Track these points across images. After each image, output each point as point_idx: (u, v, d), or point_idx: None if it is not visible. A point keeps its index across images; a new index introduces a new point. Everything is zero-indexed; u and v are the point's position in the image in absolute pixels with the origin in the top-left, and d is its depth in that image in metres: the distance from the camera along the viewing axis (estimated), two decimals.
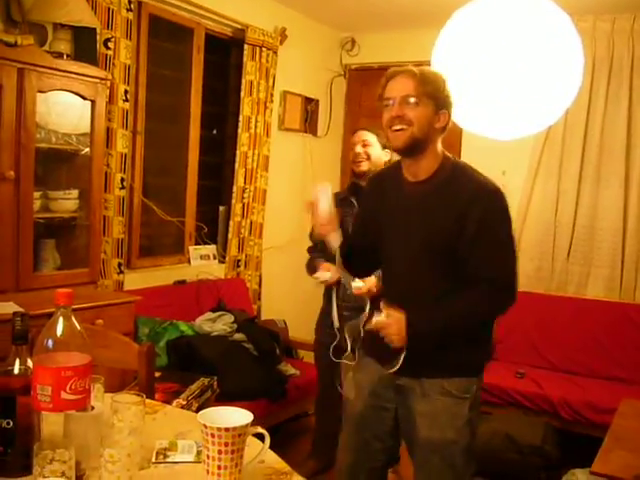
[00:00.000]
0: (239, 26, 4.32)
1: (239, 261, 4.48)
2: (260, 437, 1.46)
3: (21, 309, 2.61)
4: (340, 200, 2.88)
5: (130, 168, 3.70)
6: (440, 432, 2.03)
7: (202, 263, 4.25)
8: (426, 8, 4.48)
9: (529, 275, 4.70)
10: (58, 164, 3.13)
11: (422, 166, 2.00)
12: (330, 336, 2.92)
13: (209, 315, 3.72)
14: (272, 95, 4.54)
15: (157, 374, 2.26)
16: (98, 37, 3.28)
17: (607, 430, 2.82)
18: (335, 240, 2.05)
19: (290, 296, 4.80)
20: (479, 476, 3.49)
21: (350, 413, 2.21)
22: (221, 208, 4.55)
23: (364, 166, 3.11)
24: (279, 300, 4.79)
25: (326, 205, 2.01)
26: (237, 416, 1.40)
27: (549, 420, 3.81)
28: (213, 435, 1.33)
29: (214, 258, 4.34)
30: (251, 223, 4.52)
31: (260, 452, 1.44)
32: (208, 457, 1.36)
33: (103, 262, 3.44)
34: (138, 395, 1.51)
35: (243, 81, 4.32)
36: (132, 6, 3.50)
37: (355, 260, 2.19)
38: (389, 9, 4.61)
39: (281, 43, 4.58)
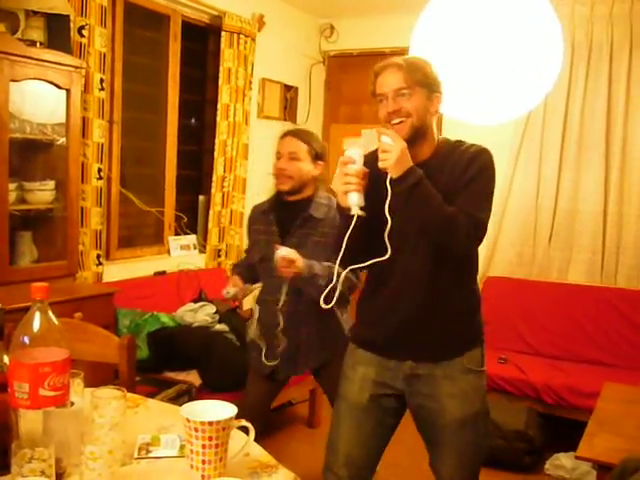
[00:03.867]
0: (216, 13, 4.27)
1: (220, 251, 4.44)
2: (245, 430, 1.44)
3: None
4: (260, 214, 2.75)
5: (107, 158, 3.65)
6: (470, 408, 2.07)
7: (182, 253, 4.22)
8: None
9: (511, 261, 4.72)
10: (33, 154, 3.08)
11: (423, 149, 2.02)
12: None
13: (190, 306, 3.68)
14: (251, 83, 4.50)
15: (137, 378, 2.22)
16: (72, 25, 3.22)
17: (590, 414, 2.84)
18: (358, 202, 1.92)
19: None
20: None
21: (351, 406, 2.16)
22: (201, 197, 4.51)
23: (286, 185, 2.62)
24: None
25: (360, 161, 1.94)
26: (221, 409, 1.38)
27: (532, 405, 3.82)
28: (196, 429, 1.31)
29: (194, 248, 4.31)
30: (231, 212, 4.49)
31: (245, 445, 1.42)
32: (192, 452, 1.33)
33: (81, 254, 3.40)
34: (119, 389, 1.47)
35: (221, 69, 4.27)
36: None
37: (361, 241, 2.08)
38: None
39: (259, 30, 4.53)
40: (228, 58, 4.28)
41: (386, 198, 1.91)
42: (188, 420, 1.31)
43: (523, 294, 4.58)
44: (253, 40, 4.46)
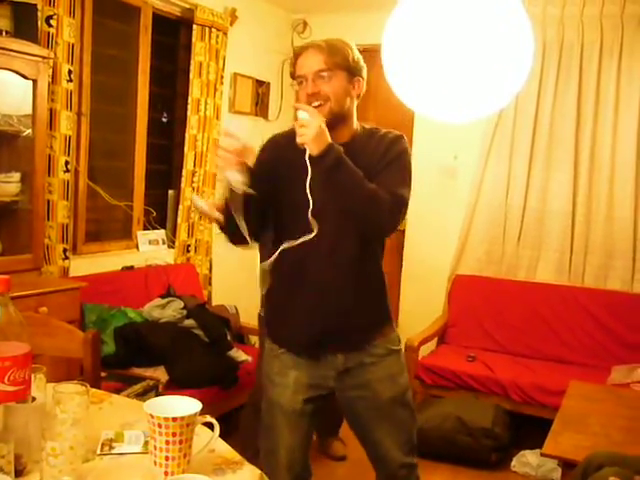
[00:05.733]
0: (188, 6, 4.22)
1: (189, 246, 4.40)
2: (210, 426, 1.43)
3: None
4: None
5: (75, 151, 3.58)
6: (398, 387, 2.14)
7: (151, 248, 4.17)
8: None
9: (479, 259, 4.74)
10: None
11: (342, 133, 2.01)
12: None
13: (158, 301, 3.64)
14: (222, 77, 4.46)
15: (103, 374, 2.19)
16: (39, 14, 3.16)
17: (556, 412, 2.87)
18: (239, 179, 1.82)
19: (241, 281, 4.74)
20: (431, 459, 3.55)
21: (287, 412, 2.12)
22: (170, 192, 4.46)
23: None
24: (230, 285, 4.73)
25: (239, 136, 1.82)
26: (185, 405, 1.36)
27: (499, 402, 3.86)
28: (160, 425, 1.29)
29: (163, 243, 4.27)
30: None
31: (209, 441, 1.40)
32: (155, 448, 1.31)
33: (47, 248, 3.34)
34: (82, 385, 1.45)
35: (192, 62, 4.22)
36: None
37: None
38: None
39: (231, 24, 4.49)
40: (199, 52, 4.23)
41: (306, 176, 1.86)
42: (152, 416, 1.30)
43: (492, 292, 4.61)
44: (225, 34, 4.42)
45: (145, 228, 4.22)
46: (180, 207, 4.31)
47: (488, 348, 4.42)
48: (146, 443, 1.44)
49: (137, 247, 4.12)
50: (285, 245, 1.94)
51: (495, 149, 4.66)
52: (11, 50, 2.82)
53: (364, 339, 2.09)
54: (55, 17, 3.24)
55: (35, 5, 3.06)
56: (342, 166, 1.86)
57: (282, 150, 2.04)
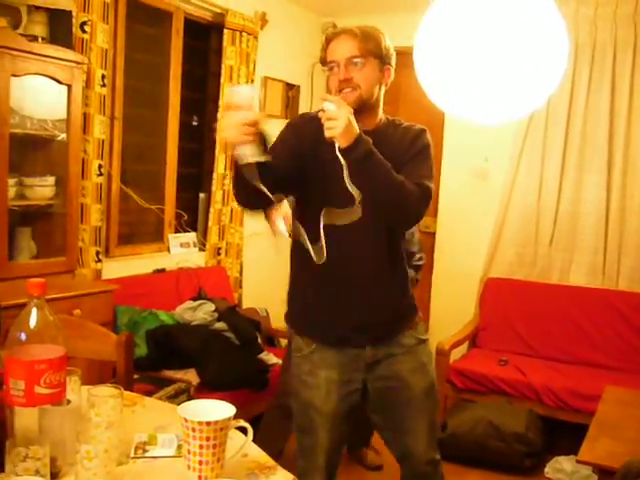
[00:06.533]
0: (219, 10, 4.25)
1: (220, 249, 4.42)
2: (242, 430, 1.42)
3: None
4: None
5: (108, 154, 3.63)
6: (429, 377, 2.16)
7: (182, 251, 4.19)
8: None
9: (511, 261, 4.70)
10: (33, 150, 3.06)
11: (369, 120, 2.01)
12: None
13: (189, 304, 3.66)
14: (253, 81, 4.48)
15: (135, 376, 2.21)
16: (74, 20, 3.20)
17: (590, 417, 2.82)
18: (254, 152, 1.68)
19: (271, 284, 4.75)
20: (463, 464, 3.52)
21: (323, 413, 2.12)
22: (201, 195, 4.49)
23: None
24: (261, 288, 4.74)
25: (249, 105, 1.65)
26: (219, 409, 1.36)
27: (532, 407, 3.81)
28: (194, 429, 1.29)
29: (194, 246, 4.29)
30: (232, 210, 4.47)
31: (243, 445, 1.40)
32: (189, 452, 1.32)
33: (81, 251, 3.38)
34: (116, 387, 1.45)
35: (223, 66, 4.25)
36: None
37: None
38: None
39: (261, 28, 4.51)
40: (230, 56, 4.25)
41: (337, 167, 1.81)
42: (186, 420, 1.30)
43: (524, 295, 4.56)
44: (255, 38, 4.44)
45: (176, 231, 4.24)
46: (211, 210, 4.33)
47: (520, 352, 4.37)
48: (179, 447, 1.45)
49: (168, 250, 4.15)
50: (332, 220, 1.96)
51: (527, 150, 4.61)
52: (47, 56, 2.86)
53: (392, 331, 2.11)
54: (89, 23, 3.28)
55: (70, 12, 3.10)
56: (372, 157, 1.83)
57: (311, 132, 1.96)
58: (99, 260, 3.52)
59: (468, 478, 3.50)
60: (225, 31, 4.22)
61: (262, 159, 1.72)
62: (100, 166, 3.46)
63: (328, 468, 2.15)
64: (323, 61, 1.99)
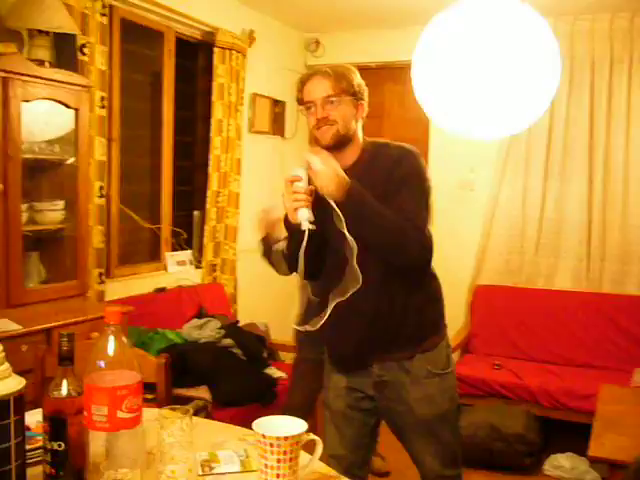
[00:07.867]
0: (208, 29, 4.30)
1: (215, 265, 4.46)
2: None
3: (19, 326, 2.56)
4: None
5: (107, 176, 3.64)
6: (437, 409, 2.14)
7: (179, 269, 4.22)
8: (387, 10, 4.55)
9: (499, 270, 4.84)
10: (42, 174, 3.07)
11: (347, 154, 2.08)
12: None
13: (196, 322, 3.69)
14: (242, 98, 4.54)
15: (150, 396, 2.25)
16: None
17: (584, 415, 2.92)
18: (309, 215, 1.94)
19: (265, 298, 4.81)
20: (467, 466, 3.61)
21: (333, 413, 2.26)
22: (195, 213, 4.52)
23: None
24: (255, 302, 4.79)
25: (306, 179, 1.95)
26: (290, 424, 1.42)
27: (529, 408, 3.93)
28: (272, 444, 1.35)
29: (190, 264, 4.32)
30: (226, 227, 4.51)
31: (313, 457, 1.46)
32: (266, 466, 1.37)
33: None
34: (183, 409, 1.50)
35: (214, 84, 4.30)
36: (105, 10, 3.44)
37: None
38: (352, 10, 4.66)
39: (250, 45, 4.57)
40: (221, 74, 4.31)
41: (332, 217, 1.94)
42: (264, 436, 1.36)
43: (512, 301, 4.70)
44: (244, 56, 4.51)
45: (173, 249, 4.27)
46: (206, 227, 4.37)
47: (512, 356, 4.50)
48: (242, 462, 1.51)
49: (166, 268, 4.17)
50: (337, 299, 2.00)
51: (511, 162, 4.77)
52: (55, 80, 2.87)
53: (395, 351, 2.12)
54: (88, 45, 3.30)
55: (74, 35, 3.11)
56: (365, 205, 1.94)
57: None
58: (102, 282, 3.53)
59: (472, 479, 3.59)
60: (215, 49, 4.27)
61: (313, 226, 1.93)
62: (101, 187, 3.48)
63: (332, 461, 2.19)
64: (300, 101, 2.08)
